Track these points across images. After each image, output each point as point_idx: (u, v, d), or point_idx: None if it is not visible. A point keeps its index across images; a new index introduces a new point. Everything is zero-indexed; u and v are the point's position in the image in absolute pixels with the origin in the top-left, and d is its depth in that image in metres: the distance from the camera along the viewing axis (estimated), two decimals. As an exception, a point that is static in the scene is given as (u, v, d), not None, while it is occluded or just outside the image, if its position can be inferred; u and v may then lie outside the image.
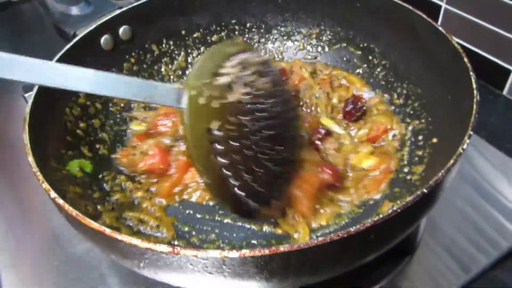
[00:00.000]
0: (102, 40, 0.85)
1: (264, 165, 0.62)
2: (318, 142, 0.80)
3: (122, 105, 0.89)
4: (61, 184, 0.67)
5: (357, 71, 0.94)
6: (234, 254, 0.46)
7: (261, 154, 0.61)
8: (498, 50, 0.99)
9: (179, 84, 0.61)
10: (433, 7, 1.08)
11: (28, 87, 1.04)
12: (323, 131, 0.81)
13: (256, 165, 0.61)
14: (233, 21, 0.99)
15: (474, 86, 0.62)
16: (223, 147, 0.58)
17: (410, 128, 0.81)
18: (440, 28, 0.73)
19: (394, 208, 0.48)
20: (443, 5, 1.06)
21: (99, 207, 0.71)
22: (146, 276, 0.57)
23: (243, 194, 0.61)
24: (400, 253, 0.72)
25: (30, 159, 0.60)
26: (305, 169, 0.73)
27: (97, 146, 0.82)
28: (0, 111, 1.11)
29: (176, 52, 0.97)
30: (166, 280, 0.55)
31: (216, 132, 0.58)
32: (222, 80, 0.58)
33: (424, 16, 0.76)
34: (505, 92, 1.02)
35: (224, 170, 0.59)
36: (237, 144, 0.59)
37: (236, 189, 0.60)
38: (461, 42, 1.04)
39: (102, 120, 0.85)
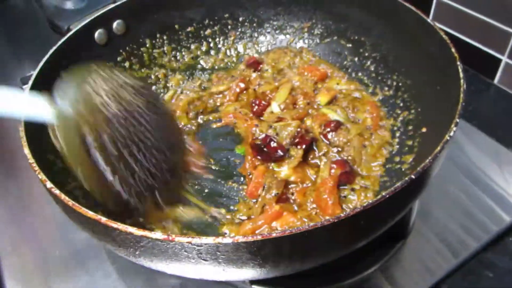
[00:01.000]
0: (96, 34, 0.86)
1: (141, 164, 0.64)
2: (330, 135, 0.80)
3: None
4: (58, 177, 0.68)
5: (348, 64, 0.95)
6: (228, 240, 0.48)
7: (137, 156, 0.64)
8: (489, 39, 1.00)
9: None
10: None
11: (26, 79, 1.03)
12: (333, 123, 0.81)
13: (135, 163, 0.63)
14: (226, 15, 0.99)
15: (461, 75, 0.63)
16: (101, 152, 0.60)
17: (400, 119, 0.82)
18: (428, 20, 0.74)
19: (383, 194, 0.50)
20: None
21: None
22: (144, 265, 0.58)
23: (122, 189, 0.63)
24: (393, 239, 0.73)
25: (26, 151, 0.60)
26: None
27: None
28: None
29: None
30: (162, 268, 0.56)
31: (91, 142, 0.60)
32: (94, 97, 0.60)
33: (413, 8, 0.77)
34: (496, 81, 1.03)
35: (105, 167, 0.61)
36: (115, 150, 0.61)
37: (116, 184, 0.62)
38: (452, 32, 1.05)
39: None
